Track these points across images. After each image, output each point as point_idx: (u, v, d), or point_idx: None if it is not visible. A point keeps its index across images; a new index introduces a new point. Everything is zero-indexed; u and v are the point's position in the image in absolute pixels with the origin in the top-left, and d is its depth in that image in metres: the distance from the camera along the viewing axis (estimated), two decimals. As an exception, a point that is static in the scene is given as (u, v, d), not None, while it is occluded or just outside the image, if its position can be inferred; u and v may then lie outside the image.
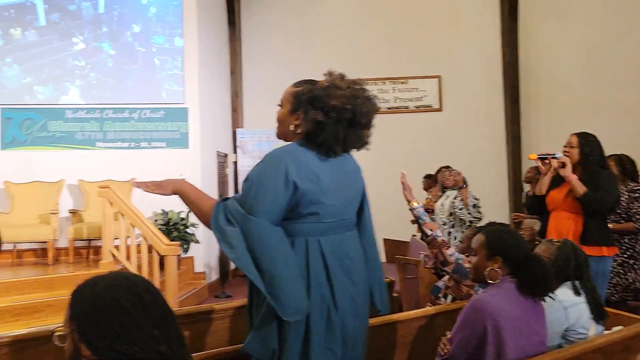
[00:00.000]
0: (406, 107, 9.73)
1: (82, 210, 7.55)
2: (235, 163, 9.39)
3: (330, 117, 1.98)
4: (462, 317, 2.22)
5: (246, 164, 9.21)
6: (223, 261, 8.60)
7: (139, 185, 2.17)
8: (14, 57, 7.92)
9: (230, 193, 9.40)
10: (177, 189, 2.12)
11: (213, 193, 8.52)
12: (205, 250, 7.95)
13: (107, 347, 1.19)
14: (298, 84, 2.12)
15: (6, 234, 6.82)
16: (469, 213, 6.20)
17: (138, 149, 7.97)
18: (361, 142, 2.09)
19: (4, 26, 7.90)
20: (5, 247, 7.11)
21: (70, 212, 7.52)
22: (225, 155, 9.28)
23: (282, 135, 2.19)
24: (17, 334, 2.46)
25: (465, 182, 6.43)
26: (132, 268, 6.08)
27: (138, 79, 8.09)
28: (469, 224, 6.12)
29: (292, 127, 2.09)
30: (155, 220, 7.24)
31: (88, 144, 7.91)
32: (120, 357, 1.19)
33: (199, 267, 7.85)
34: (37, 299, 5.61)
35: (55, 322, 5.33)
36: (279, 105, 2.20)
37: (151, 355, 1.20)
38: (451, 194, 6.39)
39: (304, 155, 2.00)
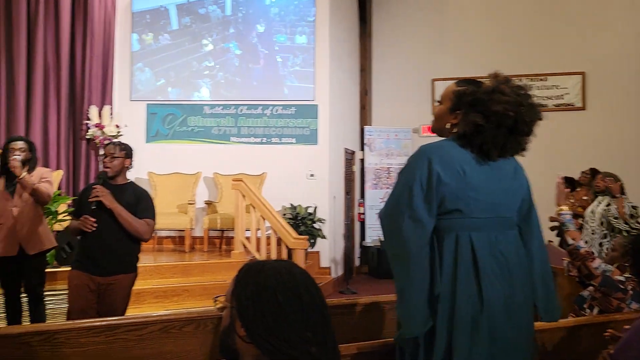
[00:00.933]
0: (544, 106, 9.18)
1: (216, 202, 7.90)
2: (362, 160, 9.39)
3: (490, 121, 1.90)
4: (632, 337, 1.99)
5: (373, 161, 9.17)
6: (348, 257, 8.63)
7: None
8: (145, 61, 8.48)
9: (357, 191, 9.41)
10: None
11: (340, 190, 8.58)
12: (331, 245, 8.01)
13: (259, 335, 1.22)
14: (461, 84, 2.04)
15: (149, 221, 7.28)
16: (627, 223, 5.61)
17: (269, 144, 8.20)
18: (519, 148, 2.00)
19: (138, 32, 8.48)
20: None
21: (205, 203, 7.91)
22: (353, 153, 9.30)
23: (437, 130, 2.14)
24: (164, 314, 2.58)
25: (622, 190, 5.82)
26: (262, 259, 6.24)
27: (262, 77, 8.35)
28: (625, 234, 5.56)
29: (448, 126, 2.04)
30: (284, 214, 7.40)
31: (223, 139, 8.27)
32: (270, 347, 1.21)
33: (324, 262, 7.93)
34: (175, 283, 5.94)
35: (191, 305, 5.62)
36: (437, 102, 2.14)
37: (300, 355, 1.22)
38: (603, 199, 5.85)
39: (453, 150, 1.94)
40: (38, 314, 4.14)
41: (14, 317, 4.19)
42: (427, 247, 1.88)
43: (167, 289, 5.77)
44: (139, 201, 3.63)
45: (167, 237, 7.99)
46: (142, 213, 3.59)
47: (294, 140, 8.17)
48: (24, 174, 4.01)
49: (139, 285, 5.67)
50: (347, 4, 9.30)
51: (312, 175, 7.91)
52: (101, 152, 7.73)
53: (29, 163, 4.15)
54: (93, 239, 3.49)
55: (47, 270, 4.30)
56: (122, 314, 3.56)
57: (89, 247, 3.54)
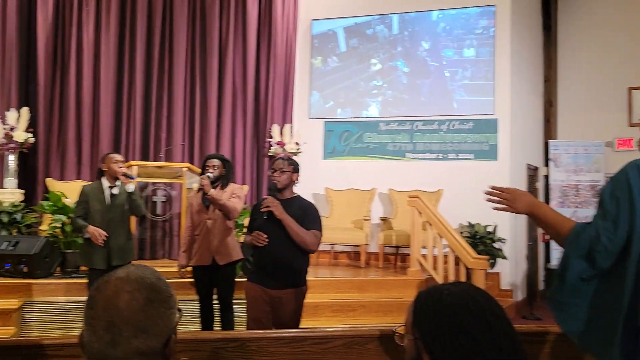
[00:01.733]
0: None
1: (391, 218, 7.86)
2: (546, 177, 8.76)
3: None
4: None
5: (559, 178, 8.51)
6: (531, 280, 8.07)
7: (494, 192, 1.98)
8: (314, 84, 8.75)
9: (539, 209, 8.79)
10: (531, 210, 1.87)
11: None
12: (512, 266, 7.56)
13: None
14: None
15: (325, 236, 7.43)
16: None
17: (446, 160, 7.99)
18: None
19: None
20: (323, 247, 7.78)
21: (380, 219, 7.90)
22: (536, 169, 8.73)
23: None
24: (348, 330, 2.55)
25: None
26: (439, 278, 6.06)
27: (430, 92, 8.21)
28: None
29: None
30: (461, 232, 7.13)
31: (398, 155, 8.23)
32: None
33: (505, 285, 7.49)
34: (351, 298, 5.96)
35: (367, 322, 5.60)
36: None
37: None
38: None
39: None
40: (227, 321, 4.38)
41: (207, 322, 4.48)
42: None
43: (343, 304, 5.82)
44: (306, 213, 3.61)
45: (342, 252, 8.11)
46: (309, 225, 3.57)
47: (471, 156, 7.88)
48: (212, 190, 4.29)
49: (316, 298, 5.86)
50: (530, 12, 8.80)
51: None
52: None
53: (223, 179, 4.42)
54: (265, 253, 3.54)
55: (236, 280, 4.54)
56: (296, 326, 3.60)
57: (262, 261, 3.61)
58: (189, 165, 6.58)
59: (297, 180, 3.76)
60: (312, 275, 6.45)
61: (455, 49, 8.14)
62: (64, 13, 7.58)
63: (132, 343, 1.04)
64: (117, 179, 4.58)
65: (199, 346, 2.16)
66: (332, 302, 5.80)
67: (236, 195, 4.41)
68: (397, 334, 1.31)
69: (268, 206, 3.49)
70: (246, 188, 7.52)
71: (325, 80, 8.72)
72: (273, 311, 3.57)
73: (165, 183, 7.13)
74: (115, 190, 4.60)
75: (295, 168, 3.72)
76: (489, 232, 7.23)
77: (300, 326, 5.27)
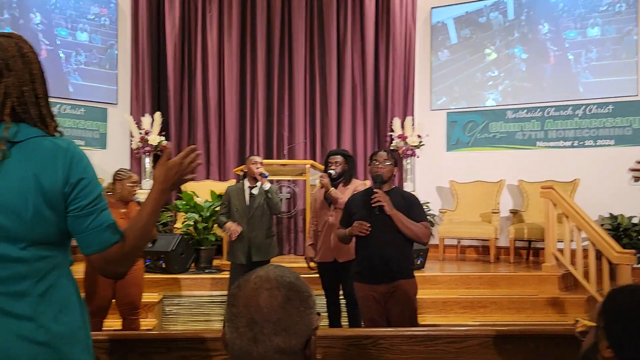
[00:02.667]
0: None
1: (522, 211, 7.45)
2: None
3: None
4: None
5: None
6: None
7: None
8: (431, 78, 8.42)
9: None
10: None
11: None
12: (662, 262, 6.86)
13: (628, 356, 1.18)
14: None
15: (451, 230, 7.22)
16: None
17: (582, 147, 7.43)
18: None
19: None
20: (448, 242, 7.55)
21: (510, 212, 7.51)
22: (687, 154, 7.87)
23: None
24: (484, 328, 2.39)
25: None
26: (578, 274, 5.63)
27: (552, 77, 7.67)
28: None
29: None
30: (602, 225, 6.59)
31: (528, 144, 7.78)
32: None
33: (654, 282, 6.82)
34: (481, 294, 5.70)
35: (499, 319, 5.32)
36: None
37: None
38: None
39: None
40: (354, 317, 4.34)
41: (334, 318, 4.47)
42: None
43: (473, 300, 5.57)
44: (411, 205, 3.48)
45: (469, 247, 7.82)
46: (416, 216, 3.44)
47: (612, 142, 7.26)
48: (332, 189, 4.29)
49: (444, 294, 5.69)
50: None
51: (637, 180, 6.90)
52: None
53: (345, 175, 4.38)
54: (371, 248, 3.42)
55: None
56: (412, 322, 3.45)
57: (367, 257, 3.49)
58: (311, 162, 6.62)
59: (395, 173, 3.68)
60: (439, 271, 6.31)
61: (579, 29, 7.60)
62: (189, 20, 7.96)
63: (273, 341, 1.03)
64: (257, 180, 4.78)
65: (331, 342, 2.13)
66: (461, 298, 5.58)
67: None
68: (577, 324, 1.33)
69: (379, 200, 3.37)
70: (368, 184, 7.46)
71: (437, 75, 8.42)
72: (386, 308, 3.46)
73: (289, 180, 7.25)
74: (255, 191, 4.80)
75: (395, 162, 3.64)
76: (634, 224, 6.62)
77: (429, 322, 5.14)
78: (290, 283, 1.09)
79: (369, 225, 3.38)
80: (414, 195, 3.65)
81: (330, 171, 4.32)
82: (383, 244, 3.40)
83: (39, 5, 7.16)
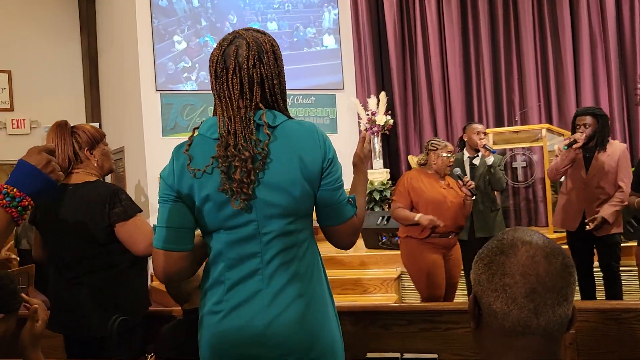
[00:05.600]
0: None
1: None
2: None
3: None
4: None
5: None
6: None
7: None
8: None
9: None
10: None
11: None
12: None
13: None
14: None
15: None
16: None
17: None
18: None
19: None
20: None
21: None
22: None
23: None
24: None
25: None
26: None
27: None
28: None
29: None
30: None
31: None
32: None
33: None
34: None
35: None
36: None
37: None
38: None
39: None
40: (613, 291, 3.89)
41: (587, 291, 4.07)
42: None
43: None
44: None
45: None
46: None
47: None
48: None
49: None
50: None
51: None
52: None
53: (597, 138, 3.88)
54: None
55: (621, 245, 4.00)
56: None
57: None
58: (547, 125, 6.14)
59: None
60: None
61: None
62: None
63: (555, 311, 0.96)
64: (477, 150, 4.45)
65: (586, 316, 1.92)
66: None
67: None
68: None
69: None
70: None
71: None
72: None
73: (523, 148, 6.82)
74: (476, 161, 4.48)
75: None
76: None
77: None
78: (559, 248, 1.00)
79: None
80: None
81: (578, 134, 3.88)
82: None
83: (232, 5, 7.70)
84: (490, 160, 4.37)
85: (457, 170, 3.79)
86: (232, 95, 1.46)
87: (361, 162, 1.77)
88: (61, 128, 2.26)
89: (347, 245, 1.60)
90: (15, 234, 6.39)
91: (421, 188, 3.73)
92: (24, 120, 7.98)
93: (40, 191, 1.17)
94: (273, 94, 1.50)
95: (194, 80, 7.31)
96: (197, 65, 7.33)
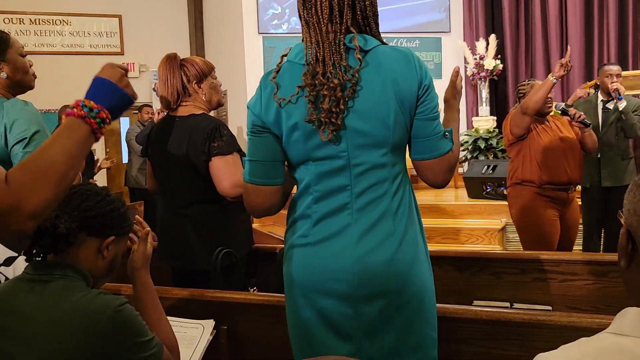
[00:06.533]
0: None
1: None
2: None
3: None
4: None
5: None
6: None
7: None
8: None
9: None
10: None
11: None
12: None
13: None
14: None
15: None
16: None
17: None
18: None
19: None
20: None
21: None
22: None
23: None
24: None
25: None
26: None
27: None
28: None
29: None
30: None
31: None
32: None
33: None
34: None
35: None
36: None
37: None
38: None
39: None
40: None
41: None
42: None
43: None
44: None
45: None
46: None
47: None
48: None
49: None
50: None
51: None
52: None
53: None
54: None
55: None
56: None
57: None
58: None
59: None
60: None
61: None
62: None
63: None
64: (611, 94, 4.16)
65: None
66: None
67: None
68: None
69: None
70: None
71: None
72: None
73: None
74: (609, 105, 4.20)
75: None
76: None
77: None
78: None
79: None
80: None
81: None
82: None
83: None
84: (621, 105, 4.05)
85: (561, 105, 3.52)
86: (321, 19, 1.37)
87: (453, 97, 1.62)
88: (170, 61, 2.27)
89: (441, 183, 1.48)
90: (125, 172, 6.73)
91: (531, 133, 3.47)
92: (133, 64, 8.27)
93: (116, 104, 1.17)
94: (365, 16, 1.41)
95: (284, 29, 7.17)
96: (287, 10, 7.19)
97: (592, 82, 5.02)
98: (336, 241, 1.39)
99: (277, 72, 1.42)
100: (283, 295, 1.51)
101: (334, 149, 1.38)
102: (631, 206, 0.87)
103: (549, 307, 2.19)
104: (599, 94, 4.30)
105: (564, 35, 7.18)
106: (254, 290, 2.15)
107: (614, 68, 4.22)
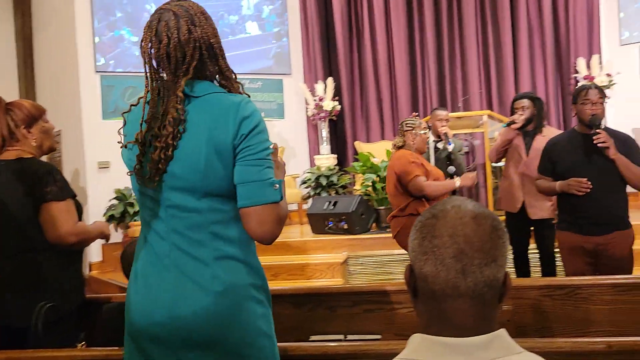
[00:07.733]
0: None
1: None
2: None
3: None
4: None
5: None
6: None
7: None
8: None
9: None
10: None
11: None
12: None
13: None
14: None
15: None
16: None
17: None
18: None
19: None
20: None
21: None
22: None
23: None
24: None
25: None
26: None
27: None
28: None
29: None
30: None
31: None
32: None
33: None
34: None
35: None
36: None
37: None
38: None
39: None
40: (549, 268, 4.04)
41: (523, 271, 4.19)
42: None
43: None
44: (630, 148, 3.10)
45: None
46: (637, 161, 3.06)
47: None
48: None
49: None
50: None
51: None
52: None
53: (536, 120, 4.02)
54: (584, 195, 3.08)
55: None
56: (629, 273, 3.10)
57: (579, 205, 3.15)
58: (488, 112, 6.29)
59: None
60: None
61: None
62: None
63: (483, 272, 0.96)
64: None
65: (521, 293, 1.99)
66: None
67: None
68: None
69: (604, 142, 3.02)
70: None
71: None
72: (596, 262, 3.14)
73: (466, 133, 6.97)
74: (440, 145, 4.63)
75: (604, 99, 3.24)
76: None
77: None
78: (490, 213, 1.02)
79: (589, 184, 3.07)
80: (629, 137, 3.26)
81: (520, 114, 4.00)
82: (599, 191, 3.07)
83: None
84: (451, 146, 4.45)
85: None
86: (169, 70, 1.44)
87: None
88: None
89: (269, 234, 1.40)
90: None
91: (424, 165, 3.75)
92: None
93: None
94: (212, 56, 1.46)
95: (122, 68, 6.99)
96: (111, 62, 7.02)
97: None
98: (155, 289, 1.43)
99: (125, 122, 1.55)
100: (111, 348, 1.51)
101: (151, 192, 1.46)
102: (410, 245, 1.03)
103: (379, 336, 2.36)
104: (430, 134, 4.64)
105: (393, 77, 7.81)
106: (82, 345, 2.08)
107: (443, 113, 4.69)
